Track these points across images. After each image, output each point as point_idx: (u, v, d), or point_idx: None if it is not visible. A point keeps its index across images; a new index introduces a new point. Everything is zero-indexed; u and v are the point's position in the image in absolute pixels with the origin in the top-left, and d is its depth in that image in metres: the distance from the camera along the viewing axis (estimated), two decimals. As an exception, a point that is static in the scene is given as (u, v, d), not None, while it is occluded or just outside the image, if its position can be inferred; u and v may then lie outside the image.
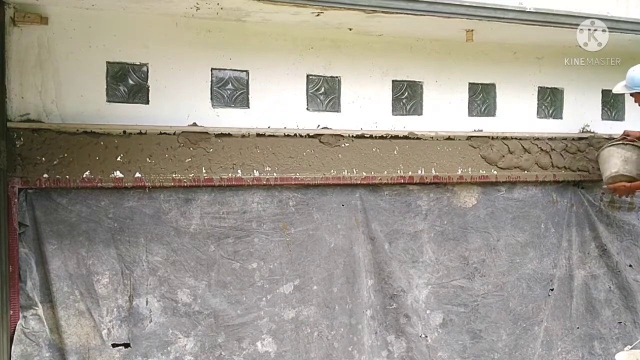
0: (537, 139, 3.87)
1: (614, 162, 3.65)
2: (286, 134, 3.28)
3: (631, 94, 3.42)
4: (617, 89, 3.43)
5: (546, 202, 3.94)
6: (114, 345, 3.02)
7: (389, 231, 3.55)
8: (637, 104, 3.52)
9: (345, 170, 3.39)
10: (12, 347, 2.83)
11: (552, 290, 3.95)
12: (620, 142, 3.69)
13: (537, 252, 3.92)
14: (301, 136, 3.32)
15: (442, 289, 3.66)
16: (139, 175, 3.00)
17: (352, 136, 3.42)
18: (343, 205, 3.45)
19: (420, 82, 3.65)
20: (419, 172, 3.55)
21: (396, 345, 3.56)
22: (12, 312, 2.83)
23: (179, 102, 3.13)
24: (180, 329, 3.14)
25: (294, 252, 3.34)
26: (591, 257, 4.09)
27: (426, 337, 3.61)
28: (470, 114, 3.80)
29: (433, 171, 3.59)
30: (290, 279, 3.34)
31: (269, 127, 3.28)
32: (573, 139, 3.98)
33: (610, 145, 3.72)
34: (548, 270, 3.94)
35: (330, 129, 3.42)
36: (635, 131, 3.74)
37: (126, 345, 3.05)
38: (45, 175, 2.86)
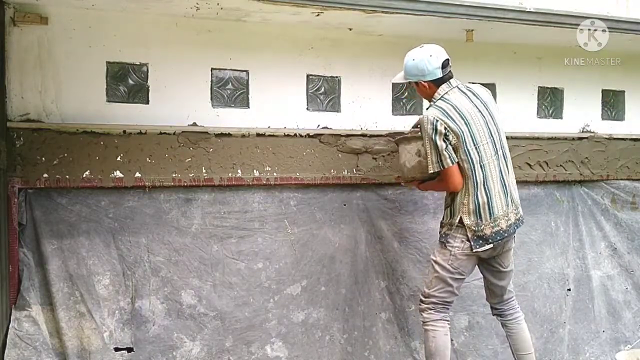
0: (537, 138, 3.86)
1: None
2: (286, 133, 3.28)
3: (410, 83, 3.06)
4: (396, 78, 3.07)
5: (551, 201, 3.93)
6: (116, 349, 2.97)
7: (397, 230, 3.51)
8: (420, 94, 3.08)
9: (346, 170, 3.39)
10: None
11: (569, 290, 3.90)
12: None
13: (552, 251, 3.88)
14: (301, 136, 3.31)
15: (463, 289, 3.46)
16: (139, 175, 2.99)
17: (352, 136, 3.41)
18: (345, 205, 3.44)
19: (420, 82, 3.64)
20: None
21: (422, 352, 3.35)
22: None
23: (179, 102, 3.12)
24: (186, 333, 3.09)
25: (298, 252, 3.33)
26: (603, 257, 4.05)
27: (452, 341, 3.39)
28: (471, 113, 3.79)
29: (434, 170, 3.57)
30: (297, 280, 3.32)
31: (269, 127, 3.28)
32: (573, 139, 3.98)
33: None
34: (563, 269, 3.90)
35: (330, 128, 3.42)
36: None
37: (129, 350, 2.99)
38: (45, 175, 2.85)
